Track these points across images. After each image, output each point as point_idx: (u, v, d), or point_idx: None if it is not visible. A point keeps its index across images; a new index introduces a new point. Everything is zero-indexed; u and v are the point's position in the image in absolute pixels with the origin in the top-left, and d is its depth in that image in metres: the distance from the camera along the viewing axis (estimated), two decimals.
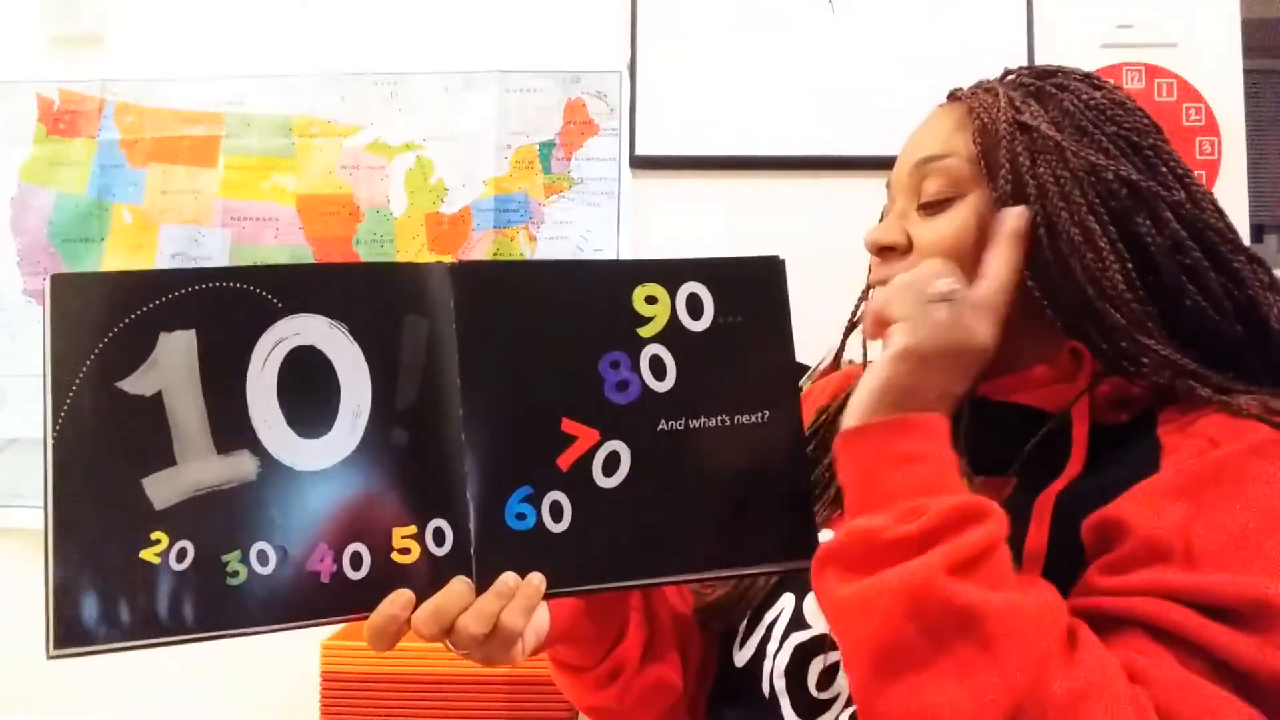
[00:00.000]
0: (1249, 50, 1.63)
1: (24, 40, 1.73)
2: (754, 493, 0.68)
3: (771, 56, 1.65)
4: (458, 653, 0.62)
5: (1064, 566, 0.59)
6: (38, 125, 1.71)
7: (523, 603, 0.62)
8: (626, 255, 1.64)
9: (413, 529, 0.63)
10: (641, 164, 1.65)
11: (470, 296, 0.65)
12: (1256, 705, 0.52)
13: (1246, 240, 0.67)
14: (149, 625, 0.59)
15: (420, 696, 1.40)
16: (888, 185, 0.73)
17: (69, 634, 0.58)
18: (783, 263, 0.70)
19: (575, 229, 1.65)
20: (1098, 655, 0.53)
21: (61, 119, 1.71)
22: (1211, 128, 1.61)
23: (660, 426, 0.67)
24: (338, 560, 0.61)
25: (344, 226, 1.67)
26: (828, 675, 0.67)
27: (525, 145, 1.67)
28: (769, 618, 0.73)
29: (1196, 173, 0.67)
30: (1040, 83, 0.69)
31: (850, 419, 0.62)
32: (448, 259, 1.65)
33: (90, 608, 0.58)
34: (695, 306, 0.68)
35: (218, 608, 0.60)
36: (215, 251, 1.68)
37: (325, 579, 0.61)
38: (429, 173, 1.67)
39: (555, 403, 0.66)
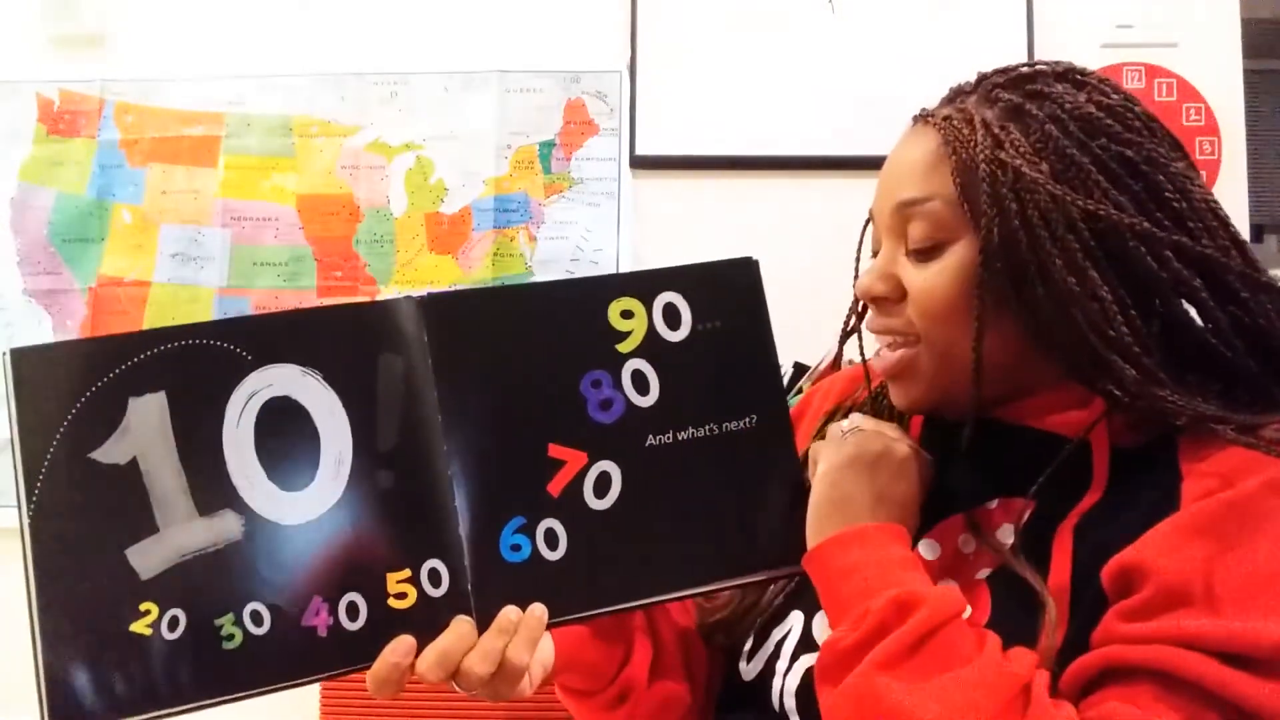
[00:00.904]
0: (1249, 50, 1.63)
1: (24, 40, 1.73)
2: (747, 498, 0.67)
3: (771, 56, 1.65)
4: (465, 693, 0.62)
5: (1089, 603, 0.59)
6: (38, 125, 1.71)
7: (526, 636, 0.61)
8: (626, 255, 1.65)
9: (407, 572, 0.62)
10: (641, 164, 1.65)
11: (442, 330, 0.64)
12: None
13: (1246, 240, 0.66)
14: (146, 698, 0.58)
15: (420, 696, 1.40)
16: (870, 214, 0.71)
17: (64, 716, 0.57)
18: (756, 263, 0.70)
19: (575, 229, 1.65)
20: (1049, 715, 0.53)
21: (61, 119, 1.71)
22: (1211, 128, 1.61)
23: (649, 442, 0.66)
24: (333, 612, 0.60)
25: (344, 226, 1.67)
26: None
27: (525, 145, 1.67)
28: (777, 634, 0.72)
29: None
30: (1017, 97, 0.64)
31: (808, 541, 0.66)
32: (447, 257, 1.66)
33: (84, 687, 0.57)
34: (672, 316, 0.68)
35: (215, 673, 0.59)
36: (215, 251, 1.68)
37: (322, 633, 0.60)
38: (429, 173, 1.68)
39: (540, 428, 0.65)
